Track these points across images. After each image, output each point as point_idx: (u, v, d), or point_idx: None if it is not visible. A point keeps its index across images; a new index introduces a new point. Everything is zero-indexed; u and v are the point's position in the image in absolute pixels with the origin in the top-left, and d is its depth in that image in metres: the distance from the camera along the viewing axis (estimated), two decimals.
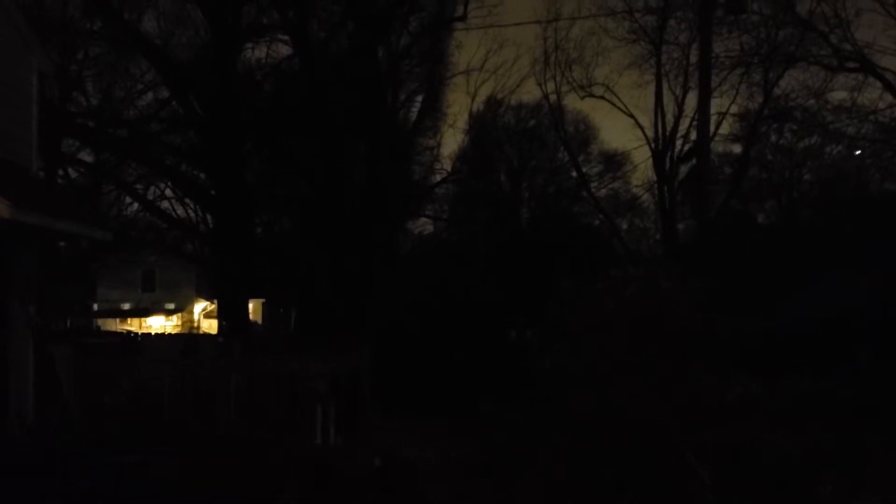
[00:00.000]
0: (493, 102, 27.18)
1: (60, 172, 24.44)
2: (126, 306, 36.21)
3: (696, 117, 21.75)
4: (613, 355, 9.87)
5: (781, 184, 23.88)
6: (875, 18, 20.16)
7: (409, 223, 27.44)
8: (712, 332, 10.75)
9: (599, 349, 9.82)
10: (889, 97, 20.42)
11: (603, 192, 28.85)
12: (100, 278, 31.59)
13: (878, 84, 20.46)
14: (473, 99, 26.90)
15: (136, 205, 26.69)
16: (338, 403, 12.17)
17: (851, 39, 20.49)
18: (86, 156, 24.80)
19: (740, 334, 11.71)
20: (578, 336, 10.15)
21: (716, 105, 22.22)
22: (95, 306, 33.19)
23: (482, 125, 27.18)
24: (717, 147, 24.19)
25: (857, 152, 21.50)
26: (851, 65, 20.83)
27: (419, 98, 25.37)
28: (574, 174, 27.97)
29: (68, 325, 23.11)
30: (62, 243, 23.23)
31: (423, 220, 28.86)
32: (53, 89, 23.36)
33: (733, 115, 23.71)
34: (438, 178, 27.62)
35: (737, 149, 24.29)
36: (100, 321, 31.35)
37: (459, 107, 43.74)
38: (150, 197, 25.82)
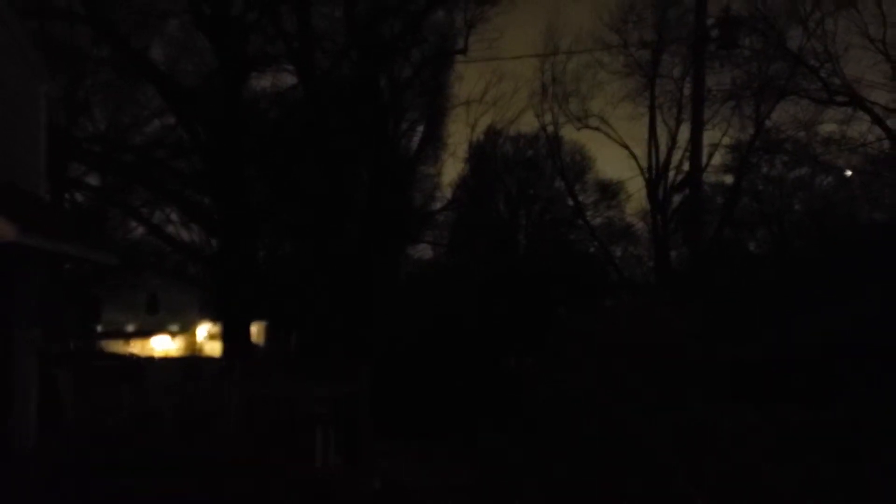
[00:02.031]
0: (492, 133, 27.66)
1: (67, 196, 24.77)
2: (130, 328, 36.40)
3: (689, 148, 22.31)
4: (611, 384, 10.13)
5: (772, 214, 24.27)
6: (863, 54, 20.75)
7: (409, 249, 27.80)
8: (708, 360, 11.05)
9: (598, 378, 10.07)
10: (877, 130, 20.94)
11: (598, 220, 29.27)
12: (104, 301, 31.85)
13: (867, 117, 20.97)
14: (473, 129, 27.31)
15: (141, 228, 27.00)
16: (338, 427, 12.33)
17: (840, 74, 21.07)
18: (92, 180, 25.14)
19: (735, 362, 12.00)
20: (578, 364, 10.41)
21: (708, 137, 22.78)
22: (99, 328, 33.41)
23: (481, 155, 27.62)
24: (710, 177, 24.65)
25: (848, 173, 21.94)
26: (841, 98, 21.35)
27: (420, 127, 25.80)
28: (570, 203, 28.40)
29: (72, 347, 23.34)
30: (67, 266, 23.64)
31: (423, 245, 29.24)
32: (61, 115, 23.81)
33: (725, 146, 24.20)
34: (439, 205, 28.05)
35: (729, 179, 24.76)
36: (104, 343, 31.55)
37: (460, 136, 44.28)
38: (155, 221, 26.11)
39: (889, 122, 20.71)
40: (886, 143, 20.91)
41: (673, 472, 9.22)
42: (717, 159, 24.47)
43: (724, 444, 10.11)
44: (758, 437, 10.39)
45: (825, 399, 12.07)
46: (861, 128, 21.35)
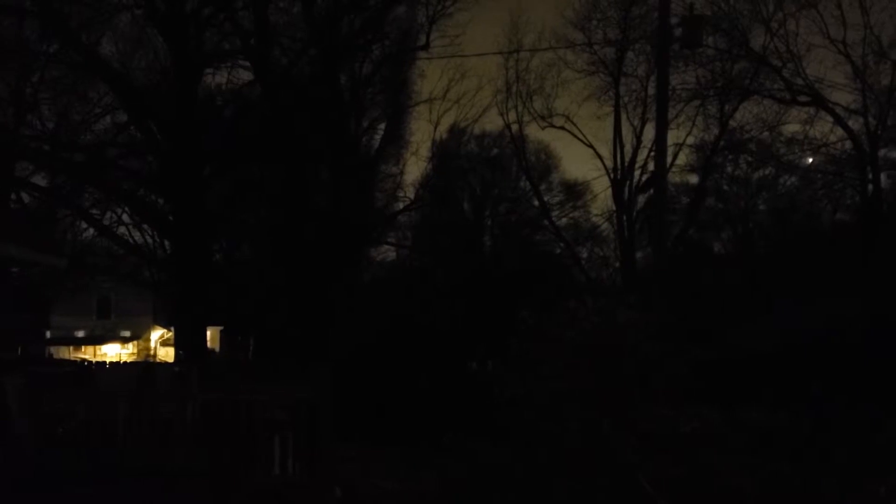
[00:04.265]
0: (455, 131, 27.40)
1: (13, 197, 23.96)
2: (80, 334, 35.44)
3: (654, 148, 22.19)
4: (576, 385, 9.93)
5: (737, 214, 24.37)
6: (826, 54, 20.91)
7: (371, 251, 27.39)
8: (671, 360, 10.89)
9: (563, 380, 9.87)
10: (840, 130, 21.05)
11: (564, 221, 29.20)
12: (53, 305, 30.95)
13: (829, 118, 21.07)
14: (436, 127, 26.98)
15: (91, 230, 26.22)
16: (297, 433, 12.00)
17: (803, 74, 21.17)
18: (40, 180, 24.34)
19: (699, 363, 11.87)
20: (542, 366, 10.18)
21: (673, 136, 22.68)
22: (48, 334, 32.47)
23: (445, 153, 27.34)
24: (675, 177, 24.67)
25: (810, 160, 22.06)
26: (803, 98, 21.44)
27: (382, 126, 25.46)
28: (536, 203, 28.25)
29: (20, 353, 22.52)
30: (14, 269, 22.80)
31: (386, 247, 28.83)
32: (7, 112, 23.04)
33: (690, 146, 24.22)
34: (401, 205, 27.63)
35: (693, 179, 24.80)
36: (53, 349, 30.66)
37: (422, 135, 43.98)
38: (106, 222, 25.38)
39: (850, 123, 20.87)
40: (848, 144, 21.04)
41: (636, 473, 9.10)
42: (682, 159, 24.54)
43: (686, 444, 10.07)
44: (718, 438, 10.42)
45: (787, 399, 12.08)
46: (823, 128, 21.52)
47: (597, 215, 28.61)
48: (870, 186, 20.72)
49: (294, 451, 11.59)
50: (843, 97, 21.02)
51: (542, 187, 28.54)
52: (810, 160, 21.89)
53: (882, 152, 20.81)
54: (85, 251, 26.10)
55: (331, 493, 10.33)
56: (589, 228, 28.84)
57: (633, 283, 22.35)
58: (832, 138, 21.34)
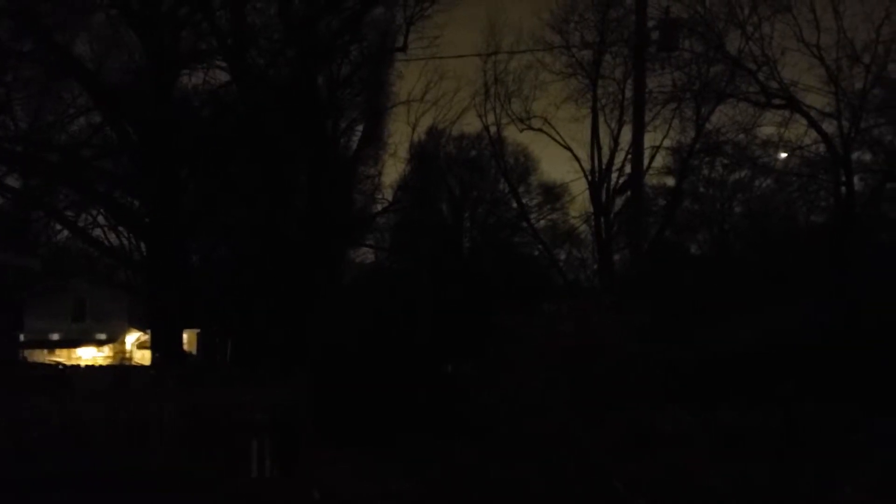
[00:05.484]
0: (434, 133, 27.37)
1: None
2: (55, 337, 35.06)
3: (631, 151, 22.32)
4: (552, 387, 10.00)
5: (713, 216, 24.54)
6: (800, 58, 21.02)
7: (350, 253, 27.31)
8: (647, 362, 10.99)
9: (540, 381, 9.94)
10: (814, 133, 21.27)
11: (542, 223, 29.24)
12: (27, 308, 30.57)
13: (804, 121, 21.28)
14: (414, 129, 26.92)
15: (66, 232, 25.94)
16: (275, 436, 11.99)
17: (778, 77, 21.33)
18: (13, 181, 24.05)
19: (674, 364, 11.98)
20: (519, 368, 10.25)
21: (650, 139, 22.77)
22: (22, 337, 32.08)
23: (423, 155, 27.32)
24: (651, 180, 24.74)
25: (783, 155, 22.22)
26: (778, 101, 21.61)
27: (360, 127, 25.40)
28: (514, 205, 28.28)
29: None
30: None
31: (365, 249, 28.77)
32: None
33: (666, 148, 24.30)
34: (380, 207, 27.60)
35: (670, 181, 24.88)
36: (27, 352, 30.30)
37: (401, 136, 43.93)
38: (81, 224, 25.14)
39: (824, 126, 21.07)
40: (822, 146, 21.25)
41: (611, 474, 9.21)
42: (658, 161, 24.61)
43: (660, 445, 10.21)
44: (692, 439, 10.56)
45: (761, 399, 12.20)
46: (798, 131, 21.68)
47: (574, 217, 28.69)
48: (843, 189, 20.95)
49: (272, 454, 11.58)
50: (818, 100, 21.24)
51: (521, 189, 28.62)
52: (783, 155, 22.09)
53: (855, 155, 21.02)
54: (59, 253, 25.84)
55: (308, 496, 10.32)
56: (567, 230, 28.95)
57: (611, 285, 22.44)
58: (806, 141, 21.55)
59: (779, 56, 21.17)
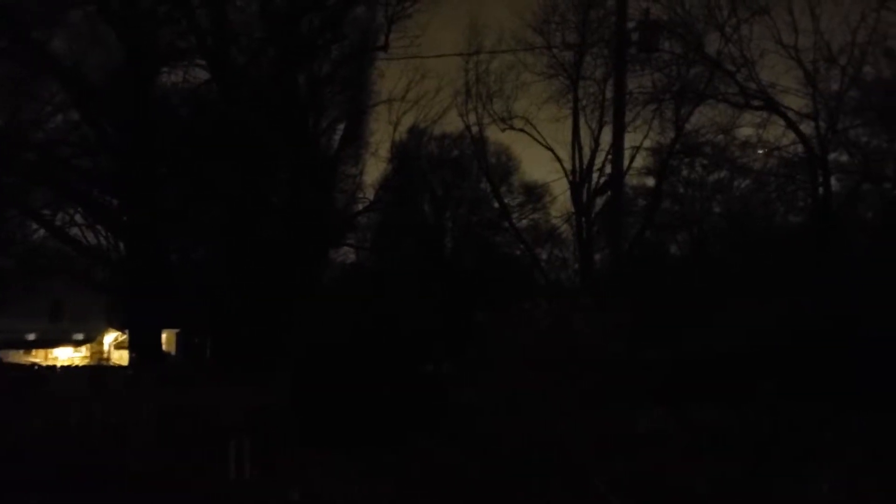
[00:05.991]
0: (415, 132, 27.28)
1: None
2: (31, 337, 34.70)
3: (612, 151, 22.42)
4: (533, 387, 10.02)
5: (693, 216, 24.67)
6: (778, 60, 21.21)
7: (331, 252, 27.19)
8: (626, 361, 11.04)
9: (521, 381, 9.96)
10: (792, 134, 21.46)
11: (524, 222, 29.21)
12: (2, 308, 30.19)
13: (782, 121, 21.47)
14: (396, 128, 26.82)
15: (42, 231, 25.61)
16: (254, 436, 11.92)
17: (756, 79, 21.52)
18: None
19: (653, 364, 12.04)
20: (500, 368, 10.27)
21: (630, 139, 22.88)
22: None
23: (405, 154, 27.24)
24: (632, 180, 24.80)
25: (760, 151, 22.39)
26: (756, 103, 21.80)
27: (341, 126, 25.30)
28: (496, 205, 28.28)
29: None
30: None
31: (346, 249, 28.65)
32: None
33: (647, 149, 24.40)
34: (361, 206, 27.50)
35: (650, 182, 24.99)
36: (2, 353, 29.96)
37: (382, 135, 43.83)
38: (58, 223, 24.84)
39: (802, 127, 21.26)
40: (800, 147, 21.44)
41: (590, 474, 9.24)
42: (639, 162, 24.68)
43: (640, 444, 10.26)
44: (672, 438, 10.62)
45: (740, 399, 12.26)
46: (776, 132, 21.87)
47: (556, 217, 28.73)
48: (821, 189, 21.16)
49: (251, 454, 11.51)
50: (795, 102, 21.43)
51: (503, 189, 28.59)
52: (761, 151, 22.27)
53: (832, 156, 21.25)
54: (35, 252, 25.52)
55: (287, 497, 10.26)
56: (548, 230, 28.95)
57: (591, 285, 22.51)
58: (784, 142, 21.77)
59: (757, 58, 21.38)
